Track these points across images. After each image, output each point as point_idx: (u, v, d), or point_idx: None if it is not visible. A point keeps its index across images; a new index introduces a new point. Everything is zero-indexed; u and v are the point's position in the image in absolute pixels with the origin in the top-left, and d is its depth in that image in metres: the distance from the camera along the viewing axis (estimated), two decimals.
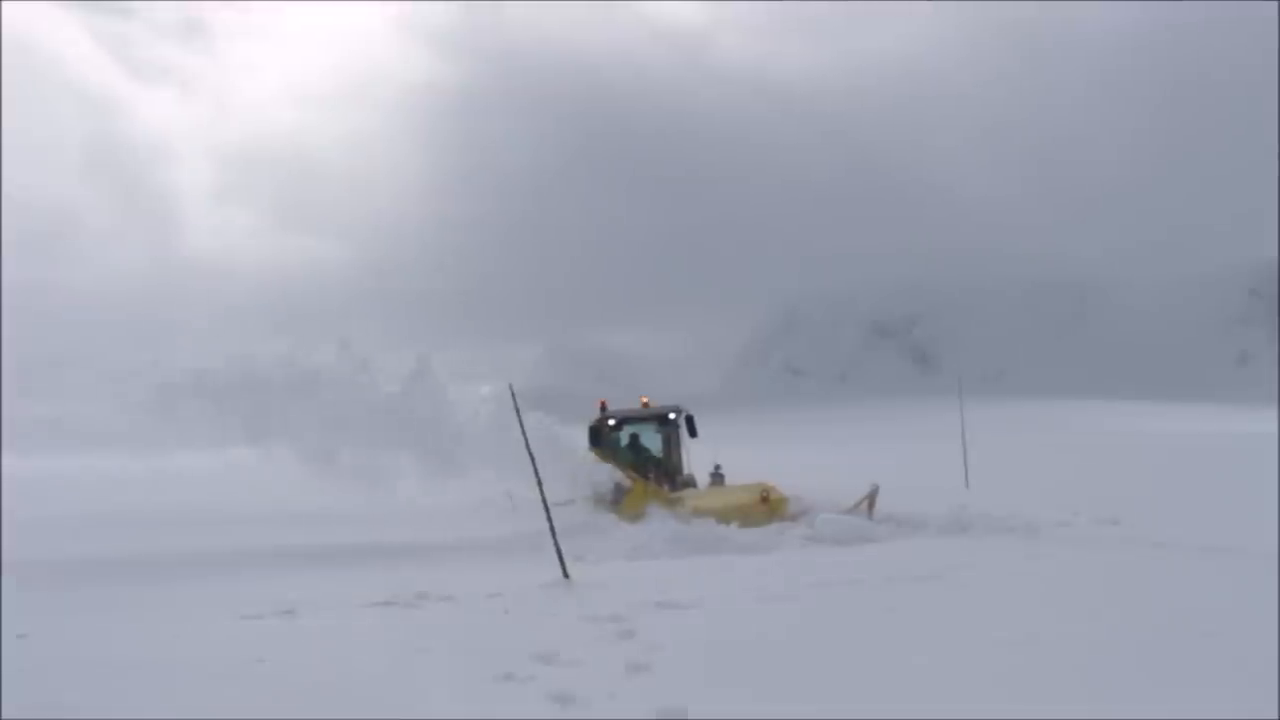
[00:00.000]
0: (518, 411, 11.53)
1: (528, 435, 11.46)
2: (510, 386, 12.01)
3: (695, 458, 18.60)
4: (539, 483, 11.10)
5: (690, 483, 18.11)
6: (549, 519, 10.88)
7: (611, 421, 18.39)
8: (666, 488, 16.98)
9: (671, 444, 18.76)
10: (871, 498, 14.84)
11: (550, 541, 10.69)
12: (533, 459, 11.11)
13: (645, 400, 19.02)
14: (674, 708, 5.35)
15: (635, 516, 14.96)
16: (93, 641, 7.78)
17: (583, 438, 17.44)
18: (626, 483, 16.29)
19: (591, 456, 16.68)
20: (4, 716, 5.49)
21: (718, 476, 18.23)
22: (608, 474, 16.13)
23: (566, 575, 10.33)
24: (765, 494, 15.15)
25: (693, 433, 18.38)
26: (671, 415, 18.60)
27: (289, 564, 12.81)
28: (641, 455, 18.22)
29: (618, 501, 16.00)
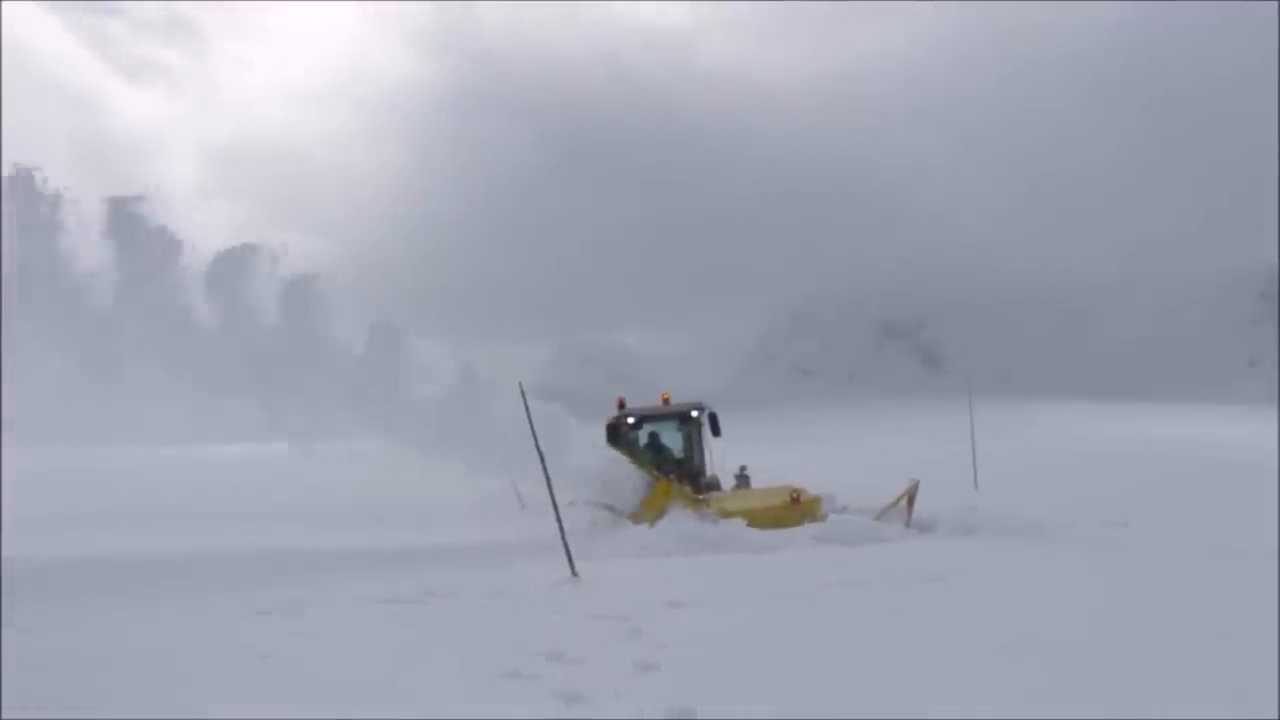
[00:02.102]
0: (527, 410, 11.46)
1: (541, 433, 11.43)
2: (520, 385, 11.92)
3: (713, 459, 17.97)
4: (547, 481, 11.07)
5: (714, 485, 17.39)
6: (557, 517, 10.86)
7: (630, 419, 17.59)
8: (689, 489, 16.35)
9: (693, 443, 18.04)
10: (911, 495, 14.49)
11: (558, 540, 10.68)
12: (541, 457, 11.07)
13: (665, 396, 18.33)
14: (682, 707, 5.32)
15: (656, 518, 14.47)
16: (98, 637, 7.78)
17: (594, 437, 17.02)
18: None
19: (615, 454, 16.08)
20: (6, 714, 5.47)
21: (743, 478, 17.56)
22: (632, 472, 15.61)
23: (574, 573, 10.30)
24: (796, 495, 14.81)
25: (716, 431, 17.58)
26: (693, 413, 17.86)
27: (295, 563, 12.81)
28: (662, 455, 17.49)
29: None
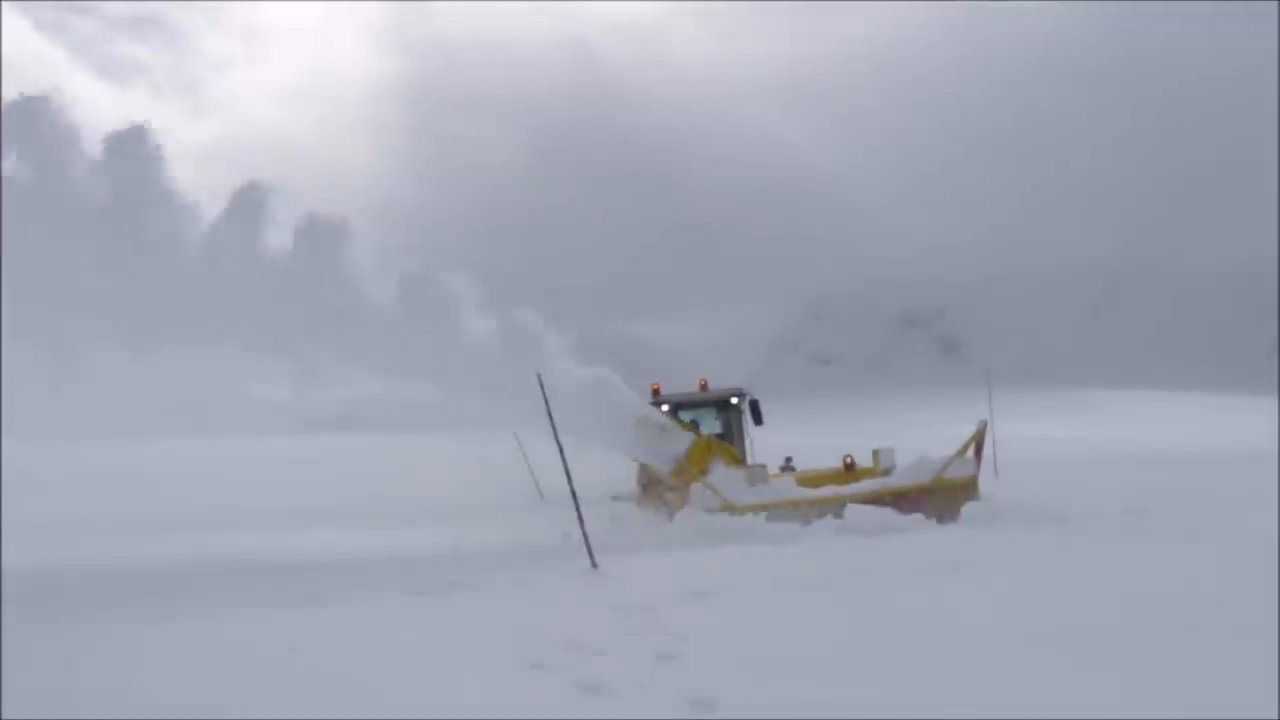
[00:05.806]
0: (546, 403, 11.42)
1: (565, 418, 11.44)
2: (539, 376, 11.88)
3: (753, 450, 17.31)
4: (567, 473, 11.10)
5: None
6: (577, 509, 10.90)
7: (665, 407, 16.77)
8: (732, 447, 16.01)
9: (733, 432, 17.19)
10: (978, 438, 14.00)
11: (578, 531, 10.73)
12: (560, 449, 11.10)
13: (703, 381, 17.47)
14: (703, 697, 5.36)
15: (698, 475, 14.05)
16: (106, 634, 7.78)
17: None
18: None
19: (665, 418, 15.47)
20: (6, 714, 5.50)
21: (789, 469, 16.98)
22: (667, 424, 15.12)
23: (594, 565, 10.35)
24: (850, 461, 14.93)
25: (758, 419, 16.96)
26: (734, 399, 17.20)
27: (315, 558, 12.87)
28: None
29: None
